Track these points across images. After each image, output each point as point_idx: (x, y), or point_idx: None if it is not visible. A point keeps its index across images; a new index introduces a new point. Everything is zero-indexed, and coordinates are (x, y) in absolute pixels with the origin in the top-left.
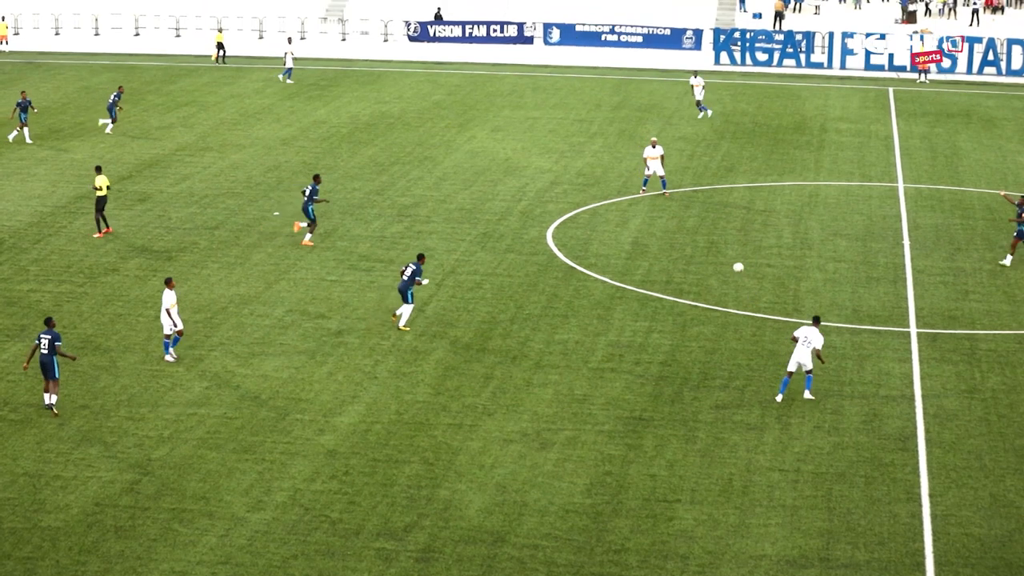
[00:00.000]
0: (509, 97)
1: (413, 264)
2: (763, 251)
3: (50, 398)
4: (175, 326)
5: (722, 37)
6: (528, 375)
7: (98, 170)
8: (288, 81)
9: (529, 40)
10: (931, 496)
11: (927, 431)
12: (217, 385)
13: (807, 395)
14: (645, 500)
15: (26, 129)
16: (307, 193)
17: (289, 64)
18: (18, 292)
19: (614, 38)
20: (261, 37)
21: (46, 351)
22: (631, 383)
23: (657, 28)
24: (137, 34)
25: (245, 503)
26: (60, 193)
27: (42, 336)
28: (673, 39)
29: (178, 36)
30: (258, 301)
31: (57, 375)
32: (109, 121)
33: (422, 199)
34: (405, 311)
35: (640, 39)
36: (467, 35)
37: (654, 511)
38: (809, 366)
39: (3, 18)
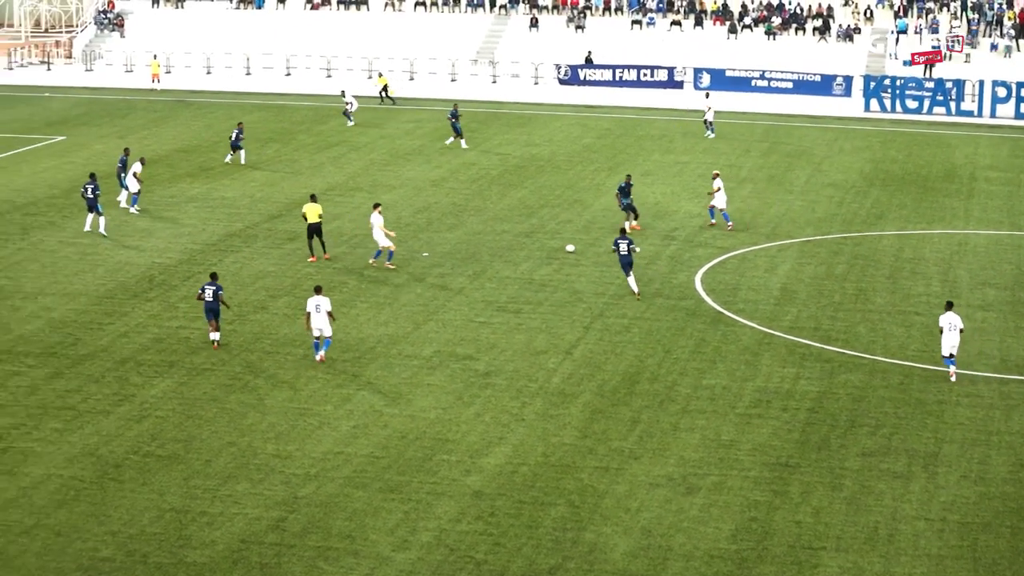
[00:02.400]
0: (659, 141)
1: (624, 239)
2: (911, 299)
3: (215, 335)
4: (323, 331)
5: (872, 84)
6: (675, 419)
7: (312, 199)
8: (350, 124)
9: (679, 85)
10: None
11: None
12: (365, 424)
13: (953, 375)
14: (790, 547)
15: (241, 152)
16: (622, 188)
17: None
18: (167, 329)
19: (764, 84)
20: (412, 79)
21: (211, 299)
22: (778, 429)
23: (807, 74)
24: (288, 74)
25: (390, 542)
26: (210, 231)
27: (207, 287)
28: (823, 86)
29: (329, 76)
30: (406, 341)
31: (220, 317)
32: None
33: (571, 242)
34: (634, 280)
35: (790, 85)
36: (617, 79)
37: (799, 558)
38: (956, 349)
39: (155, 56)
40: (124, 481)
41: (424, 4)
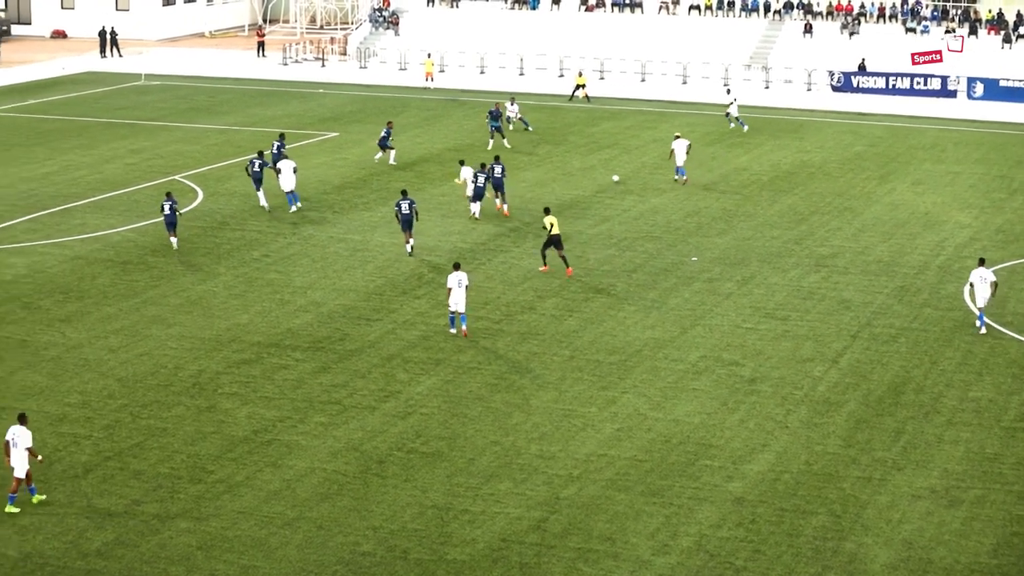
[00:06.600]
0: (930, 151)
1: (407, 199)
2: None
3: (409, 247)
4: (458, 306)
5: None
6: (939, 431)
7: (546, 211)
8: (529, 129)
9: (952, 94)
10: None
11: None
12: (628, 427)
13: (983, 329)
14: None
15: (380, 154)
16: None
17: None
18: (435, 327)
19: None
20: (684, 82)
21: (407, 212)
22: None
23: None
24: (561, 75)
25: (651, 546)
26: (480, 230)
27: (401, 202)
28: None
29: (602, 79)
30: (673, 345)
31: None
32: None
33: (840, 250)
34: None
35: None
36: (890, 87)
37: None
38: (987, 302)
39: (429, 55)
40: (387, 477)
41: (698, 8)
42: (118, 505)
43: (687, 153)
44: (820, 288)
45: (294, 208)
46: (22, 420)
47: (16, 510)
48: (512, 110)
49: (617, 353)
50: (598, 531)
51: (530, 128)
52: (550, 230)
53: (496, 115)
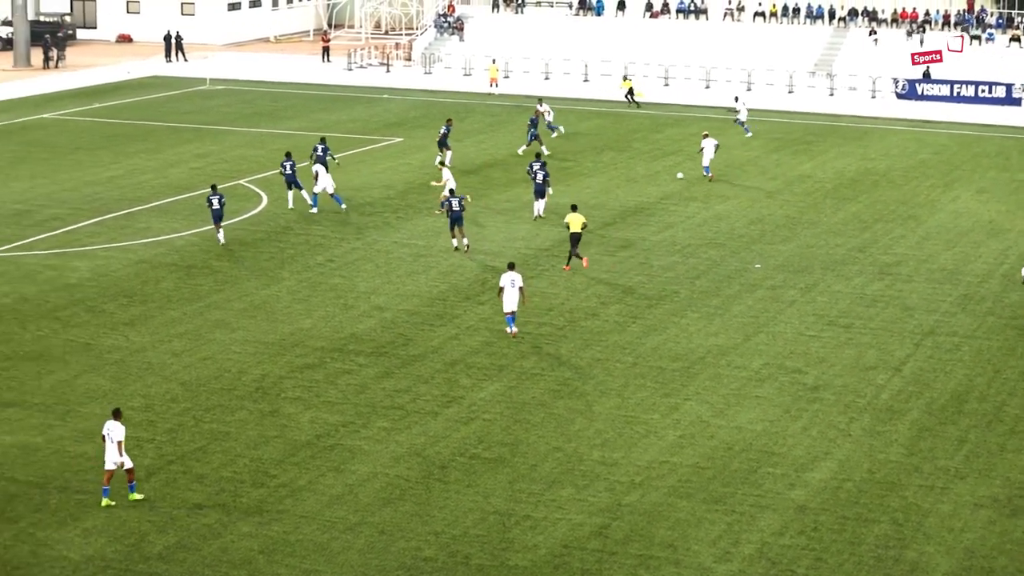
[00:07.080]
0: (995, 158)
1: (456, 196)
2: None
3: (464, 240)
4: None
5: None
6: (1003, 440)
7: (572, 208)
8: (561, 131)
9: (1017, 102)
10: None
11: None
12: (691, 434)
13: None
14: None
15: (440, 155)
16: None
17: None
18: (498, 332)
19: None
20: (749, 89)
21: (458, 208)
22: None
23: None
24: (626, 79)
25: (712, 554)
26: (544, 236)
27: (452, 199)
28: None
29: (667, 85)
30: (736, 352)
31: (463, 224)
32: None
33: (904, 258)
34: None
35: None
36: (955, 95)
37: None
38: None
39: (494, 61)
40: (449, 482)
41: (763, 15)
42: (180, 509)
43: (715, 152)
44: (883, 296)
45: (343, 207)
46: (116, 415)
47: (140, 496)
48: (542, 110)
49: (680, 360)
50: (660, 538)
51: (560, 129)
52: (568, 228)
53: (534, 123)
